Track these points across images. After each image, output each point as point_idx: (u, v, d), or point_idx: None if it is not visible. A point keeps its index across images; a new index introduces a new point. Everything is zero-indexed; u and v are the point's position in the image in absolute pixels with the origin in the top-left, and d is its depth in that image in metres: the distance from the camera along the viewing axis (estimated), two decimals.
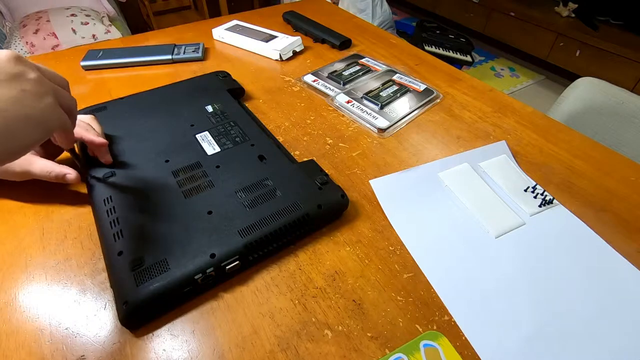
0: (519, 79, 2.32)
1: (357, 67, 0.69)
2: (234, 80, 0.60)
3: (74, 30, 1.60)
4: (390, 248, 0.39)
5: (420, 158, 0.50)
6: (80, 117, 0.31)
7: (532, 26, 2.27)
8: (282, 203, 0.38)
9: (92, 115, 0.44)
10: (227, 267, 0.34)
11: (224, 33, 0.78)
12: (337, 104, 0.60)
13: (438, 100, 0.62)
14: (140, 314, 0.31)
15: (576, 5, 2.21)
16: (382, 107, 0.59)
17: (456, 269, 0.37)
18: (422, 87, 0.64)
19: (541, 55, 2.29)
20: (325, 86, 0.64)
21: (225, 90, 0.56)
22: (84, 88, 0.63)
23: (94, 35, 1.63)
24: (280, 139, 0.50)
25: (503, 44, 2.48)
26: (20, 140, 0.27)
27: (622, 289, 0.36)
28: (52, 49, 1.54)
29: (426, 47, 2.27)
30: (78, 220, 0.40)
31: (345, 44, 0.77)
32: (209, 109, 0.52)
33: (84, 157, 0.33)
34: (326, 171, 0.43)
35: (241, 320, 0.33)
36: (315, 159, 0.45)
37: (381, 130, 0.55)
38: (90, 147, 0.41)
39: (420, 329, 0.33)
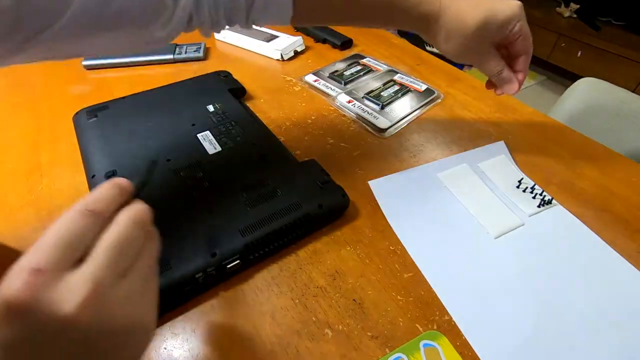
0: None
1: (358, 67, 0.69)
2: (235, 80, 0.60)
3: None
4: (391, 248, 0.39)
5: (420, 158, 0.50)
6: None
7: (534, 26, 2.25)
8: (283, 202, 0.38)
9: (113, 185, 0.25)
10: (228, 267, 0.34)
11: (225, 32, 0.78)
12: (338, 104, 0.60)
13: (439, 100, 0.62)
14: None
15: (578, 6, 2.21)
16: (383, 107, 0.59)
17: (455, 269, 0.38)
18: (423, 87, 0.64)
19: (542, 55, 2.28)
20: (327, 86, 0.64)
21: (227, 90, 0.56)
22: (86, 87, 0.63)
23: None
24: (281, 139, 0.50)
25: None
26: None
27: (622, 290, 0.36)
28: None
29: (427, 47, 2.26)
30: None
31: (346, 44, 0.77)
32: (210, 108, 0.52)
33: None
34: (327, 171, 0.43)
35: (242, 319, 0.33)
36: (316, 158, 0.45)
37: (382, 130, 0.55)
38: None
39: (421, 329, 0.33)
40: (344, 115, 0.58)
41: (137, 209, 0.23)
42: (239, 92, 0.59)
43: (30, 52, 0.27)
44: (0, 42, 0.25)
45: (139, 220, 0.22)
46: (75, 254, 0.20)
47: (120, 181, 0.23)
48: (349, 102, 0.60)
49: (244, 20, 0.36)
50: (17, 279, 0.18)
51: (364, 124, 0.56)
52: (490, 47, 0.40)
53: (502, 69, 0.42)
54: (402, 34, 2.58)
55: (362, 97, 0.61)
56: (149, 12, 0.30)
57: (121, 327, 0.20)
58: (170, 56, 0.69)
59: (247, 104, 0.58)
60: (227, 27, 0.36)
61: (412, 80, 0.66)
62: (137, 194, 0.24)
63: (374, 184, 0.46)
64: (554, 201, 0.45)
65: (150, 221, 0.24)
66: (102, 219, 0.21)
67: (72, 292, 0.18)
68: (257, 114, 0.54)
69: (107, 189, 0.23)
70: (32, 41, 0.26)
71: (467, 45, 0.39)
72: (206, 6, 0.33)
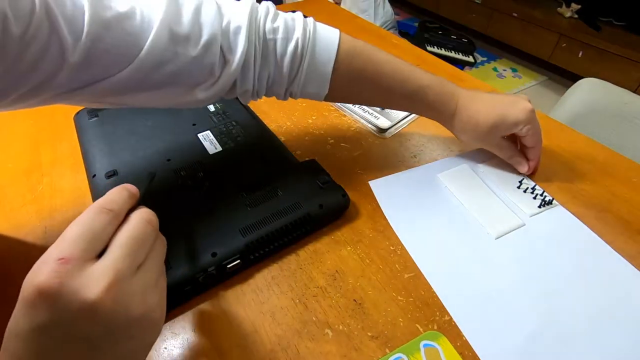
0: (521, 79, 2.32)
1: None
2: None
3: None
4: (391, 248, 0.39)
5: (421, 158, 0.50)
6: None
7: (535, 27, 2.26)
8: (283, 202, 0.38)
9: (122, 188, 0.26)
10: (228, 266, 0.34)
11: None
12: (338, 104, 0.60)
13: None
14: None
15: (579, 6, 2.21)
16: (383, 107, 0.59)
17: (456, 270, 0.37)
18: None
19: (544, 56, 2.28)
20: None
21: None
22: None
23: None
24: (282, 139, 0.50)
25: (505, 44, 2.48)
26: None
27: (623, 290, 0.36)
28: None
29: (428, 48, 2.27)
30: None
31: None
32: (211, 108, 0.52)
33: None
34: (327, 171, 0.43)
35: (242, 319, 0.33)
36: (316, 158, 0.45)
37: (382, 130, 0.55)
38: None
39: (421, 329, 0.33)
40: (345, 115, 0.58)
41: (147, 211, 0.25)
42: None
43: (75, 99, 0.30)
44: (55, 88, 0.28)
45: (150, 220, 0.24)
46: (96, 247, 0.22)
47: (129, 187, 0.26)
48: None
49: (283, 92, 0.39)
50: (45, 267, 0.20)
51: (364, 124, 0.56)
52: (500, 140, 0.45)
53: (512, 154, 0.47)
54: (403, 34, 2.57)
55: None
56: (197, 76, 0.33)
57: (136, 317, 0.21)
58: None
59: (248, 104, 0.58)
60: (264, 96, 0.39)
61: None
62: (138, 203, 0.26)
63: (375, 184, 0.46)
64: (554, 202, 0.45)
65: (158, 224, 0.25)
66: (117, 218, 0.23)
67: (95, 280, 0.20)
68: (258, 114, 0.54)
69: (119, 191, 0.25)
70: (82, 89, 0.29)
71: (479, 138, 0.45)
72: (251, 76, 0.35)
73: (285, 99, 0.40)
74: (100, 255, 0.22)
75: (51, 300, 0.19)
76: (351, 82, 0.40)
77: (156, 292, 0.24)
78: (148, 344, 0.24)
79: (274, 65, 0.36)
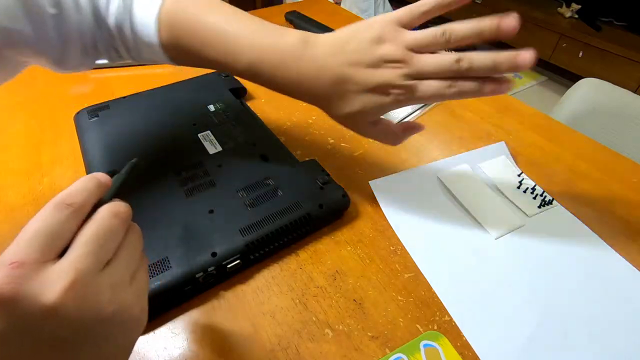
0: (522, 79, 2.32)
1: None
2: (236, 80, 0.60)
3: None
4: (391, 248, 0.39)
5: (421, 158, 0.50)
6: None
7: (535, 27, 2.26)
8: (284, 202, 0.38)
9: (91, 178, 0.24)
10: (228, 266, 0.34)
11: None
12: None
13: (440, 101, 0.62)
14: None
15: (579, 6, 2.21)
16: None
17: (456, 270, 0.37)
18: None
19: (544, 56, 2.28)
20: None
21: (228, 90, 0.56)
22: (87, 87, 0.63)
23: None
24: (282, 139, 0.50)
25: (505, 44, 2.47)
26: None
27: (623, 291, 0.36)
28: None
29: None
30: None
31: None
32: (211, 108, 0.52)
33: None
34: (327, 171, 0.43)
35: (242, 319, 0.33)
36: (316, 158, 0.45)
37: None
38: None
39: (421, 329, 0.33)
40: None
41: (117, 204, 0.23)
42: (240, 91, 0.59)
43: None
44: None
45: (117, 212, 0.22)
46: (54, 246, 0.20)
47: (99, 175, 0.23)
48: None
49: (125, 53, 0.38)
50: None
51: None
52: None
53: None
54: None
55: None
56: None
57: (107, 316, 0.20)
58: None
59: (248, 104, 0.58)
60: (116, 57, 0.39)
61: None
62: (117, 193, 0.24)
63: (375, 184, 0.46)
64: (554, 202, 0.45)
65: (130, 216, 0.24)
66: (80, 213, 0.21)
67: (53, 282, 0.19)
68: (258, 114, 0.54)
69: (83, 182, 0.23)
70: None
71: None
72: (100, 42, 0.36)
73: (131, 58, 0.39)
74: (63, 254, 0.20)
75: (6, 307, 0.17)
76: (180, 51, 0.36)
77: (131, 288, 0.22)
78: (129, 343, 0.22)
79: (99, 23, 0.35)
